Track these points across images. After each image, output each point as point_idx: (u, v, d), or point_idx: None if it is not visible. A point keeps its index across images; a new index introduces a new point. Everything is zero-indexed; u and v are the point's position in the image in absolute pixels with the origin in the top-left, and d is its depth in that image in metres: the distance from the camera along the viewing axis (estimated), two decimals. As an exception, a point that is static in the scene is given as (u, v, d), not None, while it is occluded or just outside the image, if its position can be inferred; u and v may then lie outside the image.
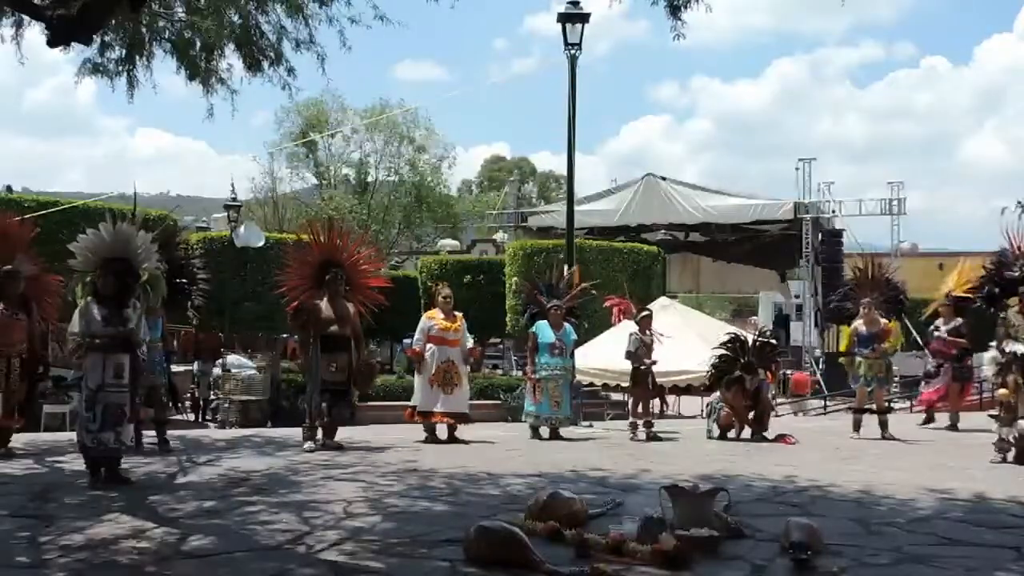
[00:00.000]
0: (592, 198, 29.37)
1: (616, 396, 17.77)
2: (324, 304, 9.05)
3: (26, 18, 7.64)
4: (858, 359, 10.63)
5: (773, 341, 11.29)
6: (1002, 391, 8.34)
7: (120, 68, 8.42)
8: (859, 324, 10.75)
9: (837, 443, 10.10)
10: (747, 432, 10.46)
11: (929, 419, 12.05)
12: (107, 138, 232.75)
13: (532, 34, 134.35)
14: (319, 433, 9.02)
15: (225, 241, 20.03)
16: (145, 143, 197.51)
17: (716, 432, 10.46)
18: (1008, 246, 9.46)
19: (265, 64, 8.36)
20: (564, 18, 13.99)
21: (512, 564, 4.17)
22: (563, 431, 10.38)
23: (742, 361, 10.59)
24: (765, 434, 10.40)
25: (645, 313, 10.90)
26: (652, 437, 10.32)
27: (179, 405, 13.85)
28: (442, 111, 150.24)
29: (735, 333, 11.45)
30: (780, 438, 10.17)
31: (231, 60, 8.56)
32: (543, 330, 10.40)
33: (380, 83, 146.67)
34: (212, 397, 20.01)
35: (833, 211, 26.99)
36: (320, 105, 41.03)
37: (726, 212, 27.52)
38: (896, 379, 13.91)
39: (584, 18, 13.89)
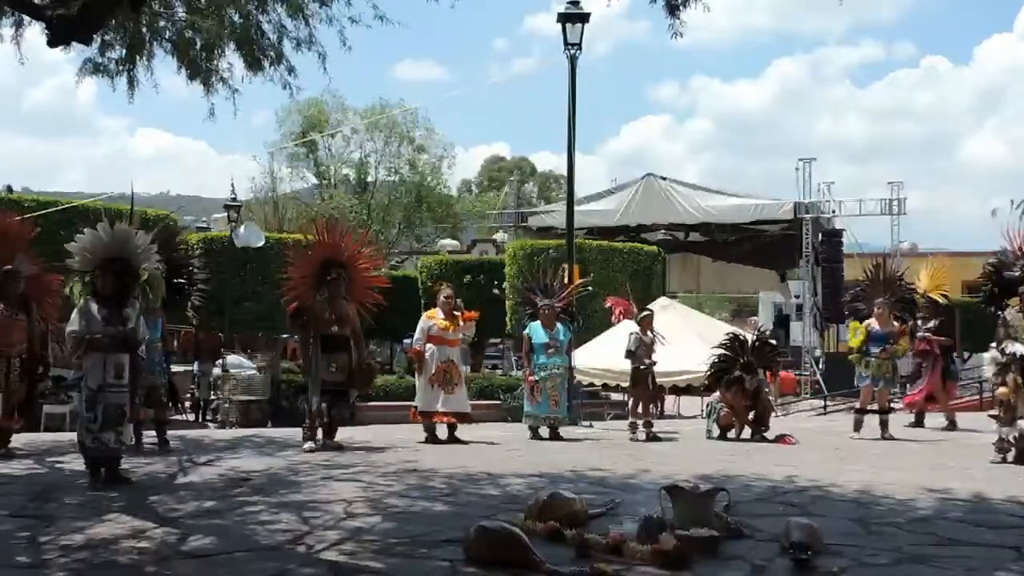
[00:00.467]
0: (592, 198, 29.36)
1: (616, 396, 17.79)
2: (324, 304, 9.05)
3: (26, 18, 7.64)
4: (867, 358, 10.66)
5: (773, 341, 11.31)
6: (1002, 389, 8.35)
7: (120, 68, 8.41)
8: (872, 323, 10.80)
9: (837, 443, 10.11)
10: (747, 432, 10.47)
11: (918, 422, 12.00)
12: (107, 138, 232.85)
13: (532, 34, 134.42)
14: (319, 433, 9.03)
15: (225, 241, 20.01)
16: (145, 143, 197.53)
17: (716, 432, 10.47)
18: (1008, 246, 9.45)
19: (266, 64, 8.35)
20: (564, 18, 13.98)
21: (512, 564, 4.17)
22: (563, 431, 10.39)
23: (741, 361, 10.60)
24: (765, 434, 10.41)
25: (646, 313, 10.90)
26: (652, 437, 10.32)
27: (179, 405, 13.85)
28: (442, 111, 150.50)
29: (734, 332, 11.47)
30: (780, 438, 10.17)
31: (231, 60, 8.54)
32: (536, 331, 10.41)
33: (380, 83, 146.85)
34: (212, 397, 20.02)
35: (833, 211, 26.97)
36: (320, 105, 41.02)
37: (726, 212, 27.53)
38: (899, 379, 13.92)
39: (584, 18, 13.88)
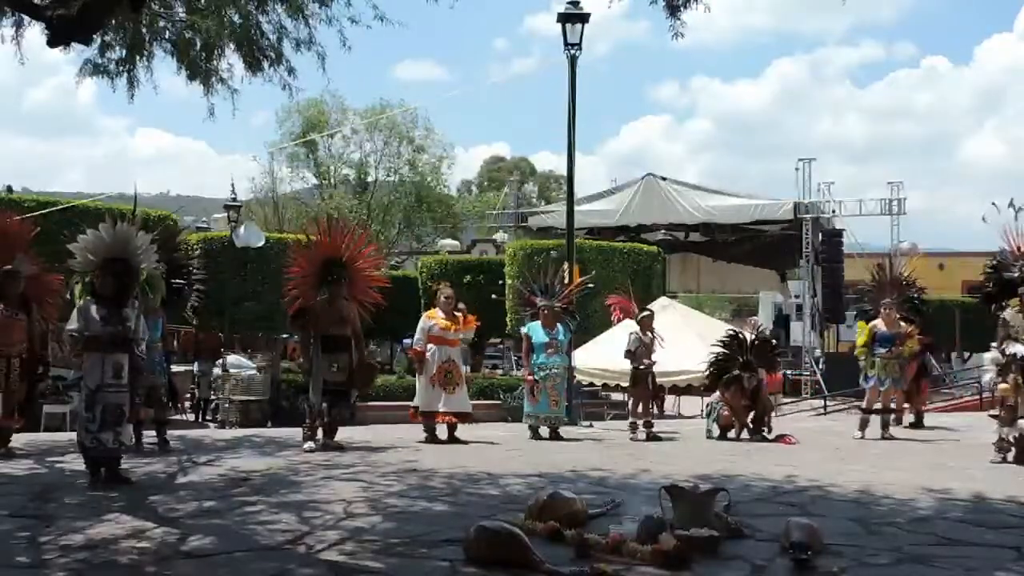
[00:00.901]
0: (592, 198, 29.36)
1: (616, 396, 17.79)
2: (325, 305, 9.05)
3: (26, 18, 7.63)
4: (872, 358, 10.66)
5: (773, 341, 11.30)
6: (1003, 386, 8.36)
7: (120, 68, 8.40)
8: (879, 323, 10.80)
9: (837, 443, 10.12)
10: (747, 432, 10.47)
11: (918, 422, 12.04)
12: (107, 138, 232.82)
13: (532, 34, 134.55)
14: (319, 433, 9.03)
15: (225, 241, 20.02)
16: (145, 143, 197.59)
17: (716, 432, 10.47)
18: (1007, 247, 9.45)
19: (265, 64, 8.34)
20: (564, 18, 13.97)
21: (512, 564, 4.17)
22: (563, 431, 10.39)
23: (741, 360, 10.60)
24: (765, 434, 10.41)
25: (646, 313, 10.90)
26: (652, 437, 10.33)
27: (179, 405, 13.85)
28: (442, 111, 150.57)
29: (734, 331, 11.47)
30: (780, 438, 10.18)
31: (231, 60, 8.53)
32: (536, 331, 10.41)
33: (380, 83, 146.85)
34: (212, 397, 20.01)
35: (833, 211, 26.98)
36: (320, 105, 40.98)
37: (726, 212, 27.54)
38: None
39: (584, 18, 13.88)
